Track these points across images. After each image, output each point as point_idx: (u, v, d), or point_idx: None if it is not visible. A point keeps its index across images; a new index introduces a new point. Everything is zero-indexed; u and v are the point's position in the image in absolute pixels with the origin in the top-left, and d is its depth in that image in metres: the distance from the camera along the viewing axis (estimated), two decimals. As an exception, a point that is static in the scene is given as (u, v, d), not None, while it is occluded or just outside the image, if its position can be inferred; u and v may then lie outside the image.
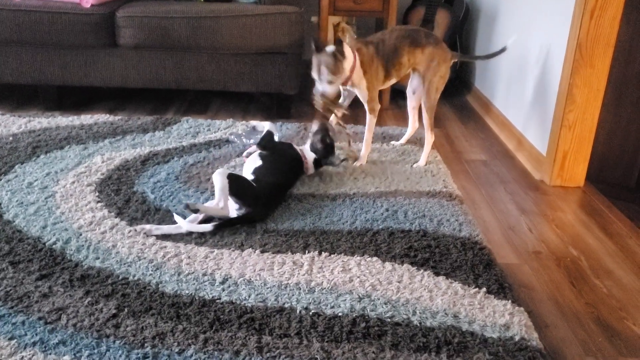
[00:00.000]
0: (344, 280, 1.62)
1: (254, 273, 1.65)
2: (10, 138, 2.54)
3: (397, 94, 3.35)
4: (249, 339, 1.39)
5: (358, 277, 1.64)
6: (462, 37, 3.55)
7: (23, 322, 1.41)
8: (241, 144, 2.56)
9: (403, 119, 3.06)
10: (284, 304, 1.52)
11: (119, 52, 2.87)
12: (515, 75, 2.83)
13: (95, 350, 1.33)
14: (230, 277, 1.62)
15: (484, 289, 1.60)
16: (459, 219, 1.97)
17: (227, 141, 2.61)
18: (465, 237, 1.86)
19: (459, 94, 3.52)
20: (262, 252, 1.75)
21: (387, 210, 2.02)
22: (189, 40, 2.80)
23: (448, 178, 2.32)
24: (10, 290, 1.53)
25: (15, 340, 1.35)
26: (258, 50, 2.84)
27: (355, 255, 1.74)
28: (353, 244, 1.81)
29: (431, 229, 1.91)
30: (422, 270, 1.68)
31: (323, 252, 1.75)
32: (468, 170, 2.50)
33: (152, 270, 1.64)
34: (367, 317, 1.47)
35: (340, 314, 1.48)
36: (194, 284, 1.59)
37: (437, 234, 1.88)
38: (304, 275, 1.64)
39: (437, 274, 1.67)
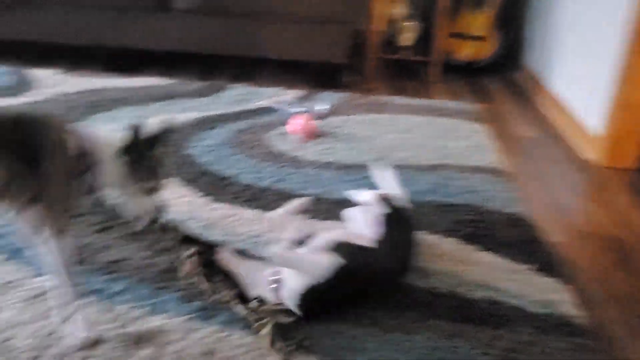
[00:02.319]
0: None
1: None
2: (64, 97, 2.61)
3: (448, 69, 3.31)
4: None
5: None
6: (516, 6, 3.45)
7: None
8: (286, 112, 2.58)
9: (452, 93, 3.04)
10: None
11: (172, 15, 2.90)
12: (568, 53, 2.76)
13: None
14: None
15: (530, 266, 1.60)
16: (507, 196, 1.96)
17: (273, 109, 2.63)
18: (512, 213, 1.86)
19: (509, 71, 3.45)
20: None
21: (433, 183, 2.02)
22: (244, 6, 2.80)
23: (496, 154, 2.30)
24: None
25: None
26: (315, 18, 2.82)
27: (401, 226, 1.76)
28: (399, 215, 1.82)
29: (478, 204, 1.90)
30: (467, 245, 1.69)
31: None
32: (517, 147, 2.47)
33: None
34: (413, 287, 1.49)
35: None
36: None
37: (483, 209, 1.88)
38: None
39: (482, 249, 1.68)
